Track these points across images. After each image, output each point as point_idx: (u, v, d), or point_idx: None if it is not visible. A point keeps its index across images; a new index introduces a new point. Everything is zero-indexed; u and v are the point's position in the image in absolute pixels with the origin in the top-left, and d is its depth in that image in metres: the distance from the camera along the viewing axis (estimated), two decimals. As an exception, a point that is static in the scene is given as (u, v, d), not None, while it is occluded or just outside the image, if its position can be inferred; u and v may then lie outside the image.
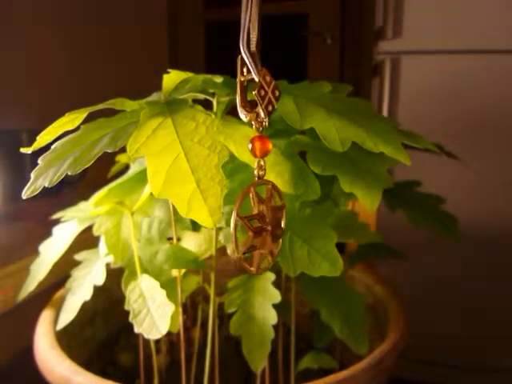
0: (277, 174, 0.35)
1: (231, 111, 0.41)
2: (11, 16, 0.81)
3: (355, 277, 0.66)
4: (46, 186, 0.33)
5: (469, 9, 0.85)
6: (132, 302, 0.46)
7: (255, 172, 0.30)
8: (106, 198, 0.51)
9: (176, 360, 0.62)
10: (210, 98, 0.43)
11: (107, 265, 0.52)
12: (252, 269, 0.30)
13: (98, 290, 0.51)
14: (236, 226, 0.28)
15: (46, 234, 0.57)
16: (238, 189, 0.34)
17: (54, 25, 0.92)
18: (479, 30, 0.85)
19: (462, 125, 0.89)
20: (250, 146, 0.29)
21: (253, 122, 0.30)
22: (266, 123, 0.30)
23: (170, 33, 1.51)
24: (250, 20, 0.29)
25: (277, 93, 0.29)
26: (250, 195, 0.29)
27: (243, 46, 0.29)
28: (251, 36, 0.29)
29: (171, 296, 0.45)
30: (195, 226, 0.51)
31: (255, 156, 0.29)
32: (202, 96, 0.43)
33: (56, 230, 0.57)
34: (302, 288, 0.51)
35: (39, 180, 0.33)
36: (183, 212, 0.31)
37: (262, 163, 0.29)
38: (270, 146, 0.29)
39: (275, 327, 0.46)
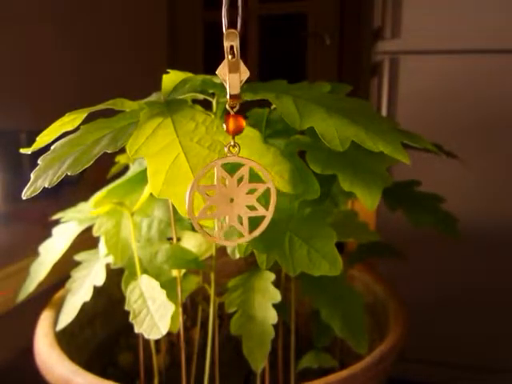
0: (276, 173, 0.35)
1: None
2: (11, 16, 0.81)
3: (355, 276, 0.66)
4: (46, 186, 0.33)
5: (468, 9, 0.85)
6: (132, 303, 0.46)
7: (225, 149, 0.31)
8: (106, 198, 0.51)
9: (176, 360, 0.62)
10: (210, 98, 0.43)
11: (107, 265, 0.52)
12: (213, 236, 0.32)
13: (97, 291, 0.51)
14: (192, 192, 0.30)
15: (46, 234, 0.57)
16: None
17: (54, 24, 0.92)
18: (478, 30, 0.85)
19: (460, 124, 0.89)
20: (224, 125, 0.31)
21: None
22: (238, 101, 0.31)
23: (169, 33, 1.51)
24: None
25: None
26: (215, 168, 0.31)
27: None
28: None
29: (171, 296, 0.45)
30: (195, 226, 0.51)
31: (228, 133, 0.31)
32: (201, 96, 0.43)
33: (56, 230, 0.57)
34: (301, 287, 0.51)
35: (39, 180, 0.33)
36: (183, 212, 0.31)
37: (232, 142, 0.31)
38: (244, 123, 0.31)
39: (275, 327, 0.46)
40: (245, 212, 0.32)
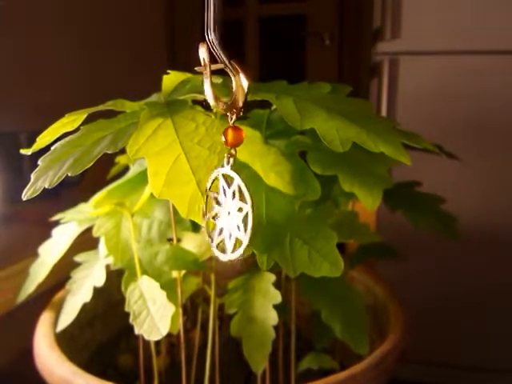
0: (277, 174, 0.35)
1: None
2: (11, 16, 0.81)
3: (355, 277, 0.66)
4: (46, 187, 0.33)
5: (467, 9, 0.85)
6: (132, 304, 0.46)
7: (225, 160, 0.30)
8: (106, 199, 0.51)
9: (176, 362, 0.62)
10: (210, 99, 0.42)
11: (107, 266, 0.52)
12: (223, 254, 0.30)
13: (97, 292, 0.51)
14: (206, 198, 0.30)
15: (46, 235, 0.57)
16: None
17: (54, 25, 0.92)
18: (477, 30, 0.85)
19: (460, 125, 0.89)
20: (222, 137, 0.30)
21: (228, 114, 0.30)
22: (241, 113, 0.30)
23: (168, 33, 1.51)
24: (216, 4, 0.29)
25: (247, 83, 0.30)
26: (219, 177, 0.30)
27: (210, 33, 0.30)
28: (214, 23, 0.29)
29: (171, 297, 0.45)
30: (195, 227, 0.51)
31: (227, 145, 0.30)
32: (201, 97, 0.43)
33: (55, 231, 0.57)
34: (302, 289, 0.51)
35: (39, 181, 0.33)
36: (183, 213, 0.31)
37: (232, 152, 0.30)
38: (243, 135, 0.30)
39: (275, 328, 0.46)
40: (232, 229, 0.29)
